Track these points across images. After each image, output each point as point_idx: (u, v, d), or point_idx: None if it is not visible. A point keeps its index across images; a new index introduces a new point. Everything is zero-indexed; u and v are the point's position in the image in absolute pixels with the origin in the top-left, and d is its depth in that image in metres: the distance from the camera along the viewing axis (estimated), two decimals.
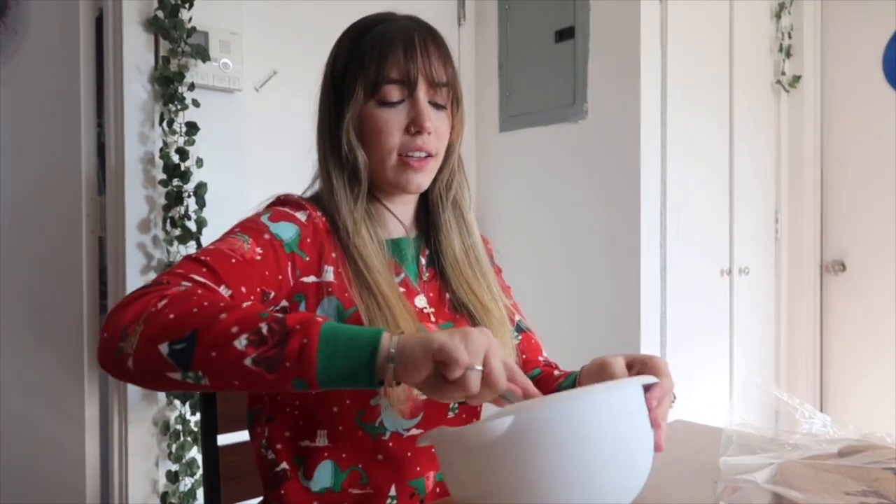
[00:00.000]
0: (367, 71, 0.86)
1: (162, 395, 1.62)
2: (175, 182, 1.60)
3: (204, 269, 0.74)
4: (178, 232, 1.60)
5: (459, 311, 0.95)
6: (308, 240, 0.85)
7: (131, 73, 1.59)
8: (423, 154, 0.89)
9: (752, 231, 2.56)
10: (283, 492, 0.88)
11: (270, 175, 1.47)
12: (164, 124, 1.60)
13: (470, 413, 0.94)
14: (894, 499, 0.72)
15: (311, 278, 0.85)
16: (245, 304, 0.68)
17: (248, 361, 0.63)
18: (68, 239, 1.74)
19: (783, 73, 2.65)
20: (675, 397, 0.77)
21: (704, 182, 2.34)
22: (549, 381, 0.96)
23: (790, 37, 2.65)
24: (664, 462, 0.93)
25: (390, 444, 0.86)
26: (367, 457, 0.87)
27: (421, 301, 0.93)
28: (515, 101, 2.40)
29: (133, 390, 1.60)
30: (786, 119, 2.69)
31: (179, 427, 1.62)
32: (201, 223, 1.62)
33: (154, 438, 1.63)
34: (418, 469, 0.88)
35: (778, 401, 0.95)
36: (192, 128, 1.61)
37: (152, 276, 1.61)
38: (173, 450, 1.61)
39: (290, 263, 0.83)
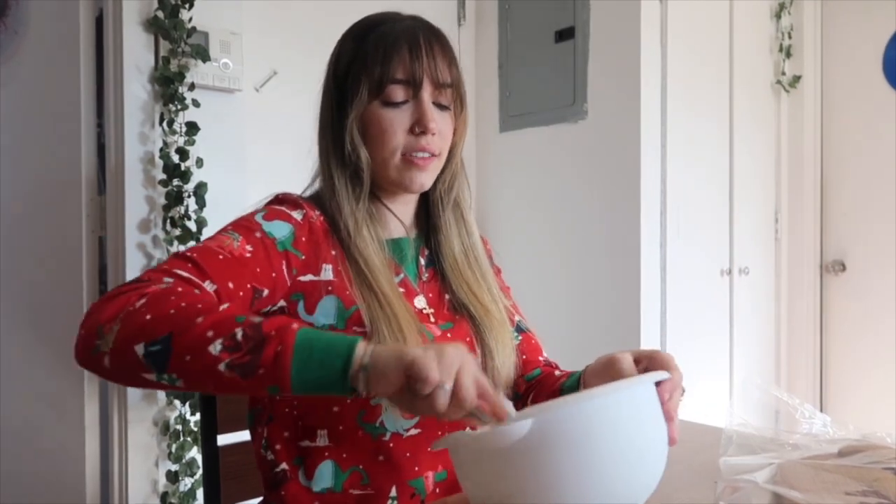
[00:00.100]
0: (372, 71, 0.86)
1: (162, 395, 1.62)
2: (175, 182, 1.60)
3: (189, 265, 0.74)
4: (178, 232, 1.60)
5: (459, 312, 0.94)
6: (303, 238, 0.85)
7: (131, 73, 1.59)
8: (426, 154, 0.89)
9: (752, 231, 2.56)
10: (283, 492, 0.87)
11: (270, 175, 1.47)
12: (164, 124, 1.60)
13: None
14: (894, 499, 0.72)
15: (309, 277, 0.85)
16: (223, 307, 0.68)
17: (221, 367, 0.63)
18: (68, 239, 1.74)
19: (783, 73, 2.65)
20: (684, 390, 0.77)
21: (704, 182, 2.34)
22: (549, 382, 0.96)
23: (790, 37, 2.65)
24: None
25: (391, 444, 0.86)
26: (368, 457, 0.86)
27: (420, 302, 0.92)
28: (515, 101, 2.40)
29: (133, 390, 1.60)
30: (786, 119, 2.69)
31: (179, 427, 1.62)
32: (201, 223, 1.62)
33: (154, 438, 1.63)
34: (417, 469, 0.88)
35: (778, 401, 0.95)
36: (192, 128, 1.61)
37: None
38: (173, 450, 1.61)
39: (284, 262, 0.82)
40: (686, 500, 0.80)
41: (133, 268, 1.60)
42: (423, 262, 0.96)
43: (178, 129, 1.60)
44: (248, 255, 0.79)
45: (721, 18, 2.41)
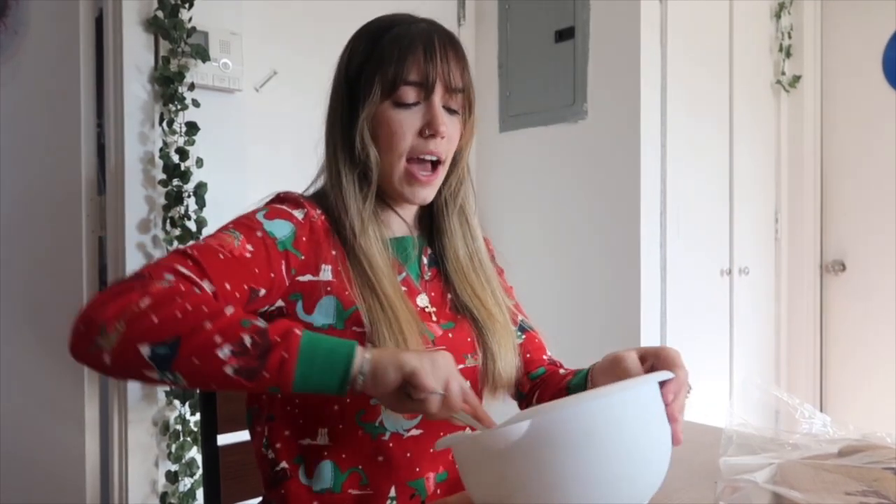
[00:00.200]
0: (386, 71, 0.86)
1: (162, 395, 1.62)
2: (175, 182, 1.60)
3: (190, 263, 0.74)
4: (178, 232, 1.60)
5: (461, 313, 0.95)
6: (304, 238, 0.85)
7: (131, 73, 1.59)
8: (433, 158, 0.89)
9: (752, 231, 2.56)
10: (283, 491, 0.88)
11: (270, 175, 1.47)
12: (164, 124, 1.60)
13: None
14: (894, 499, 0.72)
15: (308, 277, 0.85)
16: (228, 310, 0.69)
17: (228, 370, 0.66)
18: (68, 239, 1.74)
19: (783, 73, 2.65)
20: (690, 388, 0.78)
21: (704, 182, 2.34)
22: (554, 380, 0.96)
23: (790, 37, 2.65)
24: None
25: (390, 444, 0.86)
26: (367, 457, 0.86)
27: (423, 300, 0.93)
28: (515, 101, 2.40)
29: (133, 390, 1.60)
30: (786, 119, 2.69)
31: (179, 427, 1.62)
32: (201, 223, 1.62)
33: (154, 438, 1.63)
34: (417, 470, 0.88)
35: (778, 401, 0.95)
36: (192, 128, 1.61)
37: None
38: (173, 450, 1.61)
39: (283, 262, 0.82)
40: (686, 500, 0.79)
41: (133, 268, 1.59)
42: (425, 261, 0.97)
43: (178, 129, 1.60)
44: (249, 254, 0.79)
45: (721, 18, 2.41)
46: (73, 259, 1.71)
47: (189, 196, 1.61)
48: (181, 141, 1.60)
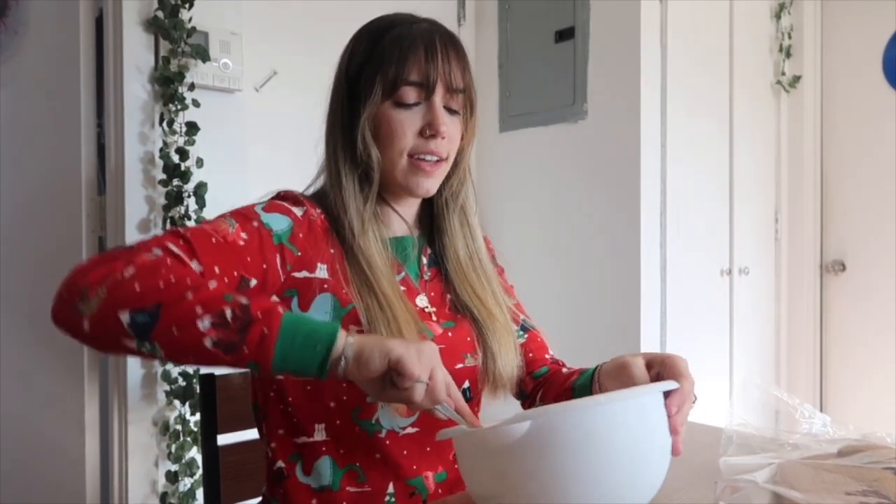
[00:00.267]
0: (387, 70, 0.86)
1: (162, 395, 1.62)
2: (175, 182, 1.60)
3: (181, 242, 0.74)
4: None
5: (461, 313, 0.95)
6: (301, 235, 0.85)
7: (131, 73, 1.59)
8: (434, 158, 0.89)
9: (752, 231, 2.56)
10: (282, 490, 0.88)
11: (270, 175, 1.47)
12: (164, 124, 1.60)
13: None
14: (894, 499, 0.72)
15: (304, 273, 0.84)
16: (211, 284, 0.69)
17: (207, 342, 0.65)
18: (68, 239, 1.73)
19: (783, 73, 2.65)
20: (695, 398, 0.77)
21: (704, 182, 2.34)
22: (558, 380, 0.96)
23: (790, 37, 2.65)
24: None
25: (387, 441, 0.87)
26: (365, 455, 0.87)
27: (422, 300, 0.93)
28: (515, 101, 2.40)
29: (133, 390, 1.60)
30: (786, 119, 2.69)
31: (179, 427, 1.62)
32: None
33: (154, 438, 1.63)
34: (415, 468, 0.88)
35: (778, 401, 0.95)
36: (192, 128, 1.61)
37: None
38: (173, 450, 1.61)
39: (278, 255, 0.82)
40: (686, 500, 0.79)
41: None
42: (425, 261, 0.97)
43: (178, 129, 1.60)
44: (242, 242, 0.78)
45: (721, 18, 2.41)
46: (73, 259, 1.70)
47: (189, 196, 1.61)
48: (181, 141, 1.60)
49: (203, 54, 1.61)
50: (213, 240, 0.76)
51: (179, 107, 1.60)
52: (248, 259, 0.78)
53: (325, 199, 0.91)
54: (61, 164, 1.77)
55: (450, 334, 0.91)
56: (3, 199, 2.04)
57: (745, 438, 0.88)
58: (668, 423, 0.67)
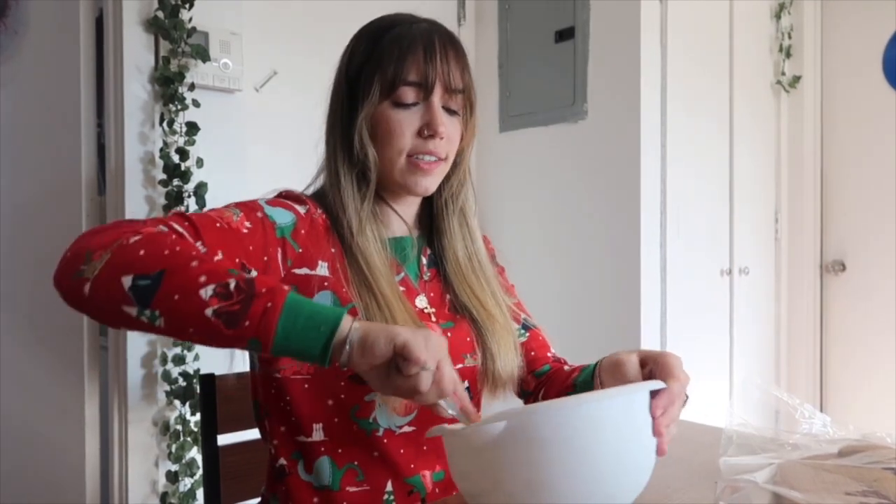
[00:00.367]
0: (385, 70, 0.86)
1: (162, 395, 1.62)
2: (175, 182, 1.60)
3: (186, 223, 0.74)
4: None
5: (460, 314, 0.95)
6: (303, 232, 0.85)
7: (131, 73, 1.59)
8: (432, 158, 0.88)
9: (752, 231, 2.56)
10: (284, 487, 0.88)
11: (270, 175, 1.47)
12: (165, 124, 1.60)
13: None
14: (894, 499, 0.72)
15: (304, 270, 0.85)
16: (216, 257, 0.68)
17: (208, 312, 0.63)
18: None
19: (783, 73, 2.65)
20: (687, 397, 0.76)
21: (704, 182, 2.34)
22: (560, 377, 0.96)
23: (790, 37, 2.65)
24: (664, 462, 0.92)
25: (384, 440, 0.87)
26: (363, 453, 0.87)
27: (422, 301, 0.93)
28: (515, 101, 2.40)
29: (133, 390, 1.60)
30: (786, 119, 2.69)
31: (179, 427, 1.62)
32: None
33: (154, 438, 1.63)
34: (413, 466, 0.89)
35: (778, 401, 0.95)
36: (192, 128, 1.61)
37: None
38: (173, 450, 1.61)
39: (279, 249, 0.82)
40: (686, 500, 0.80)
41: None
42: (424, 261, 0.97)
43: (178, 129, 1.60)
44: (245, 230, 0.79)
45: (721, 18, 2.41)
46: None
47: (189, 196, 1.61)
48: (181, 141, 1.60)
49: (203, 54, 1.61)
50: (218, 224, 0.76)
51: (179, 107, 1.60)
52: (251, 248, 0.78)
53: (325, 198, 0.91)
54: (61, 164, 1.77)
55: (449, 335, 0.91)
56: (3, 199, 2.04)
57: (745, 438, 0.88)
58: (652, 424, 0.66)
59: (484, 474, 0.62)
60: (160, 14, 1.57)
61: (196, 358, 1.62)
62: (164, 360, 1.60)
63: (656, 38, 2.13)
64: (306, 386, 0.86)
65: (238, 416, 1.06)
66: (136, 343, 1.59)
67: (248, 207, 0.82)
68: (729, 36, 2.42)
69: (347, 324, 0.65)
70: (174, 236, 0.69)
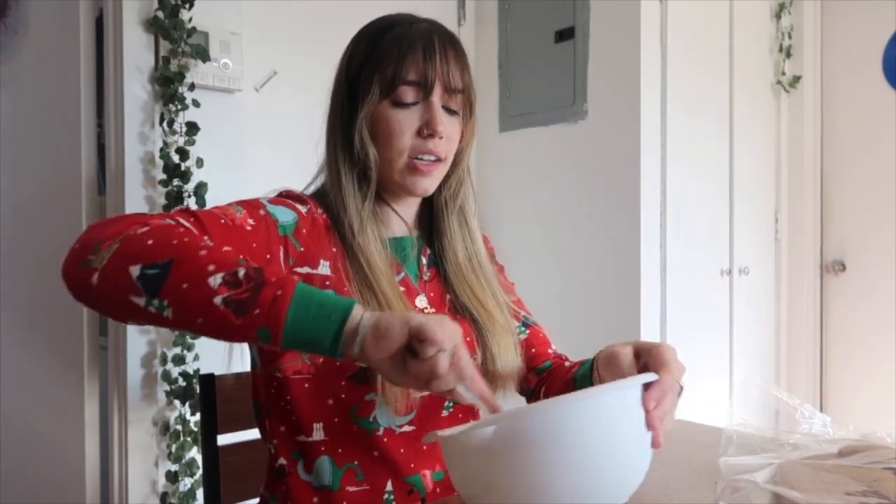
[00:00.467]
0: (385, 70, 0.86)
1: (162, 395, 1.62)
2: (175, 182, 1.60)
3: (192, 219, 0.74)
4: None
5: (461, 314, 0.95)
6: (304, 231, 0.85)
7: (131, 73, 1.59)
8: (432, 158, 0.89)
9: (752, 231, 2.56)
10: (284, 487, 0.88)
11: (270, 175, 1.47)
12: (165, 124, 1.60)
13: (466, 412, 0.94)
14: (894, 499, 0.72)
15: (306, 269, 0.85)
16: (225, 248, 0.68)
17: (217, 300, 0.62)
18: (68, 239, 1.71)
19: (783, 73, 2.65)
20: (681, 388, 0.74)
21: (704, 182, 2.34)
22: (561, 373, 0.96)
23: (790, 37, 2.65)
24: (664, 462, 0.93)
25: (384, 439, 0.87)
26: (363, 453, 0.87)
27: (422, 301, 0.93)
28: (515, 101, 2.40)
29: (133, 390, 1.60)
30: (786, 119, 2.69)
31: (179, 427, 1.62)
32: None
33: (154, 438, 1.63)
34: (412, 466, 0.89)
35: (778, 401, 0.95)
36: (192, 128, 1.61)
37: None
38: (173, 450, 1.61)
39: (282, 247, 0.82)
40: (686, 500, 0.80)
41: None
42: (424, 261, 0.97)
43: (178, 129, 1.60)
44: (249, 228, 0.79)
45: (721, 18, 2.41)
46: None
47: (189, 196, 1.61)
48: (181, 141, 1.60)
49: (203, 54, 1.61)
50: (222, 221, 0.77)
51: (179, 107, 1.60)
52: (254, 245, 0.79)
53: (326, 198, 0.91)
54: (61, 164, 1.77)
55: None
56: (3, 199, 2.04)
57: (745, 438, 0.88)
58: (644, 418, 0.65)
59: (479, 477, 0.62)
60: (160, 14, 1.57)
61: (196, 358, 1.62)
62: (163, 360, 1.60)
63: (656, 38, 2.13)
64: (307, 385, 0.86)
65: (238, 416, 1.06)
66: (136, 343, 1.59)
67: (251, 205, 0.83)
68: (729, 36, 2.42)
69: (359, 312, 0.64)
70: (182, 229, 0.70)
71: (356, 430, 0.86)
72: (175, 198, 1.60)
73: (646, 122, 2.09)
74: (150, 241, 0.65)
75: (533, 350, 1.02)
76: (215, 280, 0.62)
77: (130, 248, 0.64)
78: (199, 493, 1.63)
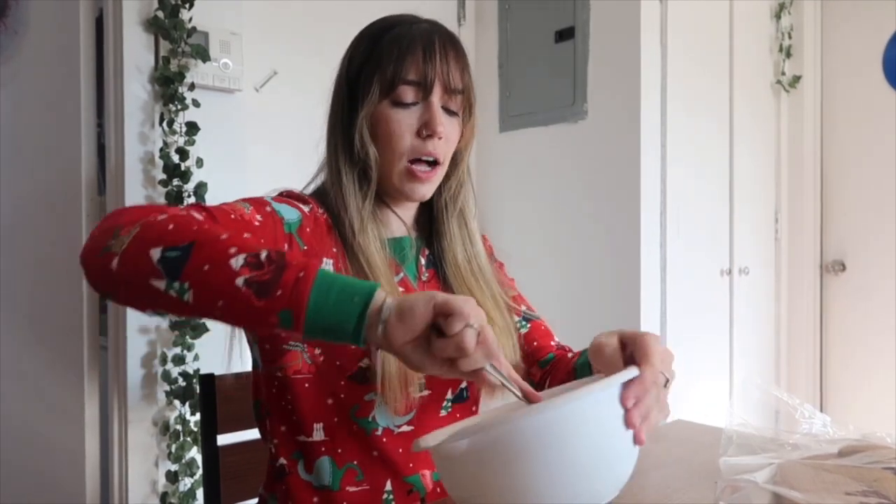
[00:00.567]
0: (385, 69, 0.86)
1: (162, 395, 1.62)
2: (175, 182, 1.60)
3: (204, 213, 0.74)
4: None
5: None
6: (308, 229, 0.86)
7: (131, 73, 1.59)
8: (430, 160, 0.89)
9: (752, 231, 2.56)
10: (285, 487, 0.88)
11: (270, 175, 1.47)
12: (165, 124, 1.60)
13: (464, 412, 0.95)
14: (894, 499, 0.72)
15: None
16: (245, 235, 0.68)
17: (239, 281, 0.61)
18: (68, 239, 1.74)
19: (783, 73, 2.65)
20: (668, 379, 0.71)
21: (704, 182, 2.34)
22: (563, 364, 0.96)
23: (790, 37, 2.65)
24: (664, 462, 0.93)
25: (383, 439, 0.87)
26: (362, 453, 0.87)
27: None
28: (515, 101, 2.40)
29: (133, 390, 1.60)
30: (786, 119, 2.69)
31: (179, 427, 1.62)
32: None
33: (154, 438, 1.63)
34: (411, 466, 0.89)
35: (778, 401, 0.95)
36: (192, 128, 1.61)
37: None
38: (173, 450, 1.61)
39: (286, 245, 0.83)
40: (686, 500, 0.79)
41: None
42: (423, 262, 0.97)
43: (178, 129, 1.60)
44: (257, 223, 0.79)
45: (721, 18, 2.41)
46: (74, 259, 1.69)
47: (189, 196, 1.61)
48: (181, 141, 1.60)
49: (203, 54, 1.61)
50: (232, 216, 0.77)
51: (179, 107, 1.60)
52: (262, 241, 0.79)
53: (326, 197, 0.91)
54: (61, 164, 1.77)
55: None
56: (3, 199, 2.04)
57: (745, 438, 0.88)
58: (621, 418, 0.62)
59: (462, 483, 0.62)
60: (160, 14, 1.57)
61: (196, 358, 1.62)
62: (163, 360, 1.60)
63: (656, 38, 2.13)
64: (307, 385, 0.86)
65: (238, 416, 1.06)
66: (136, 343, 1.59)
67: (257, 202, 0.83)
68: (729, 36, 2.42)
69: (382, 295, 0.62)
70: (200, 218, 0.70)
71: (356, 429, 0.86)
72: (175, 198, 1.60)
73: (646, 122, 2.09)
74: (170, 226, 0.65)
75: (535, 343, 1.02)
76: (237, 262, 0.62)
77: (151, 232, 0.64)
78: (199, 493, 1.63)
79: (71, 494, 1.73)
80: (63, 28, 1.73)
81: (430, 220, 0.99)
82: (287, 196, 0.90)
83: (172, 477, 1.61)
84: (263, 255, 0.62)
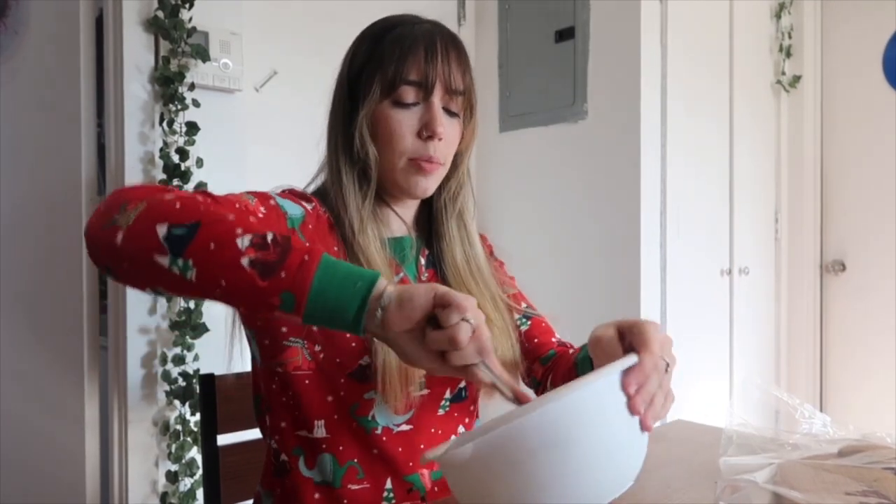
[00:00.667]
0: (386, 69, 0.86)
1: (162, 395, 1.62)
2: (175, 182, 1.60)
3: (210, 199, 0.73)
4: None
5: None
6: (310, 226, 0.86)
7: (131, 73, 1.59)
8: (431, 161, 0.89)
9: (752, 231, 2.56)
10: (286, 482, 0.88)
11: (270, 175, 1.47)
12: (165, 124, 1.60)
13: (462, 411, 0.95)
14: (894, 499, 0.72)
15: None
16: (251, 219, 0.68)
17: (244, 261, 0.62)
18: (68, 239, 1.74)
19: (783, 73, 2.65)
20: (668, 364, 0.71)
21: (704, 182, 2.34)
22: (564, 360, 0.96)
23: (790, 37, 2.65)
24: (664, 462, 0.93)
25: (383, 437, 0.87)
26: (363, 451, 0.87)
27: None
28: (515, 101, 2.40)
29: (133, 390, 1.60)
30: (786, 119, 2.69)
31: (179, 427, 1.62)
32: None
33: (154, 438, 1.63)
34: (411, 465, 0.89)
35: (778, 401, 0.95)
36: (192, 128, 1.61)
37: None
38: (173, 450, 1.61)
39: None
40: (686, 500, 0.79)
41: None
42: (423, 262, 0.97)
43: (178, 129, 1.60)
44: (261, 215, 0.80)
45: (721, 18, 2.41)
46: (73, 259, 1.71)
47: None
48: (181, 141, 1.60)
49: (203, 54, 1.61)
50: (237, 206, 0.77)
51: (179, 107, 1.60)
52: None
53: (326, 196, 0.92)
54: (61, 164, 1.77)
55: None
56: (3, 199, 2.04)
57: (745, 438, 0.88)
58: (625, 407, 0.62)
59: (475, 488, 0.62)
60: (160, 14, 1.57)
61: (196, 358, 1.62)
62: (163, 360, 1.60)
63: (656, 38, 2.13)
64: (307, 382, 0.86)
65: (238, 415, 1.06)
66: (136, 343, 1.59)
67: (261, 196, 0.83)
68: (729, 36, 2.42)
69: (384, 283, 0.63)
70: (208, 200, 0.70)
71: (355, 427, 0.87)
72: None
73: (646, 122, 2.09)
74: (178, 205, 0.65)
75: (536, 340, 1.02)
76: (243, 241, 0.62)
77: (158, 209, 0.64)
78: (199, 493, 1.63)
79: (71, 494, 1.73)
80: (63, 28, 1.73)
81: (429, 221, 0.99)
82: (290, 193, 0.90)
83: (172, 477, 1.61)
84: (269, 236, 0.63)
